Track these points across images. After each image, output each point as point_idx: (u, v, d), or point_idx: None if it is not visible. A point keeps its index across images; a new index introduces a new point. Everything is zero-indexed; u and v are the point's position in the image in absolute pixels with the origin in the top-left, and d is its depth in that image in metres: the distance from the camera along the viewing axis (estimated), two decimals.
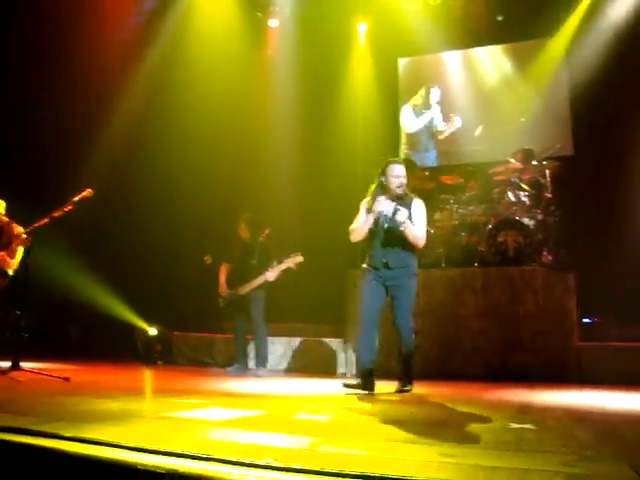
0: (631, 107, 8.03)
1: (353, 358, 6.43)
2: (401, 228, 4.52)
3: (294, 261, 6.21)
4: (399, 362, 4.78)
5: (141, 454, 2.11)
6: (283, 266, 6.26)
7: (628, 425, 3.27)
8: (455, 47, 9.62)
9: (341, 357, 6.61)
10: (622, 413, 3.83)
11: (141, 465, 2.01)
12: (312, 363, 6.79)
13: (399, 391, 4.67)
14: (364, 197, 4.93)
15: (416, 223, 4.62)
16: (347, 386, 4.67)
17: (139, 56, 9.13)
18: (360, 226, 4.71)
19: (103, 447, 2.18)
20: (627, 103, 8.07)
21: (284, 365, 6.92)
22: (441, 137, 7.39)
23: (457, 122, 7.37)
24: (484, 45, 9.63)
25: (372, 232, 4.70)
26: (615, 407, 4.17)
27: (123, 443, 2.20)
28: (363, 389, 4.57)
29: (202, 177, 9.12)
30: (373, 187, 4.81)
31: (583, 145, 8.50)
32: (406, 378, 4.73)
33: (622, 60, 8.16)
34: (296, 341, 7.02)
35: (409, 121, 7.26)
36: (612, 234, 7.44)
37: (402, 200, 4.65)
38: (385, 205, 4.55)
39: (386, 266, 4.62)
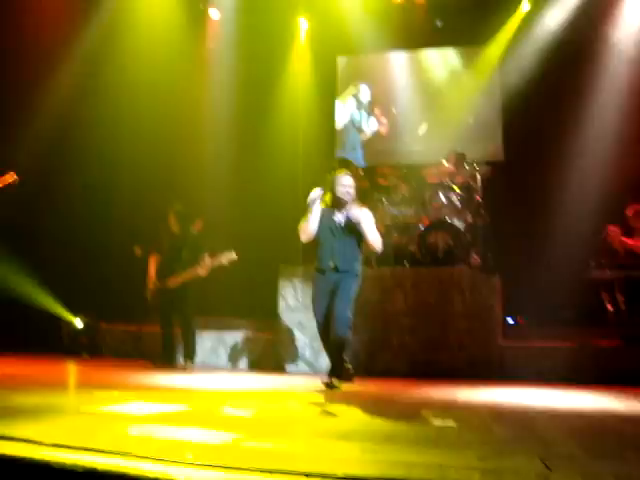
0: (558, 116, 8.38)
1: (283, 354, 6.45)
2: (361, 228, 4.81)
3: (227, 258, 6.15)
4: (329, 353, 4.86)
5: (57, 451, 2.05)
6: (215, 262, 6.19)
7: (543, 421, 3.40)
8: (394, 48, 9.77)
9: (271, 353, 6.59)
10: (539, 409, 3.98)
11: (56, 463, 1.95)
12: (241, 358, 6.75)
13: (327, 386, 4.70)
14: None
15: (364, 227, 4.87)
16: (324, 382, 4.78)
17: (75, 41, 8.84)
18: (310, 230, 4.92)
19: (16, 443, 2.10)
20: (555, 112, 8.41)
21: (213, 360, 6.84)
22: (364, 137, 7.27)
23: (372, 125, 7.17)
24: (423, 48, 9.82)
25: (322, 237, 4.94)
26: (533, 404, 4.33)
27: (38, 440, 2.13)
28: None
29: (135, 167, 8.94)
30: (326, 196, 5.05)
31: (513, 151, 8.81)
32: (335, 373, 4.76)
33: (551, 70, 8.51)
34: (226, 335, 6.96)
35: (338, 116, 7.11)
36: (536, 238, 7.74)
37: (350, 207, 4.91)
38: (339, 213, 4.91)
39: (334, 269, 4.87)
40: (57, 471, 1.92)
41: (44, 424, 2.57)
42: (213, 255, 6.20)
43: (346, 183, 4.92)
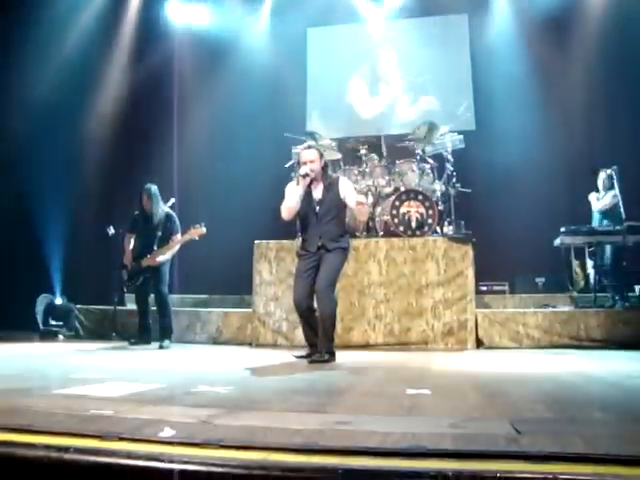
0: (528, 84, 8.42)
1: (260, 328, 6.47)
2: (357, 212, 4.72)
3: (197, 233, 6.14)
4: (319, 328, 4.67)
5: (30, 435, 2.03)
6: (186, 237, 6.18)
7: (514, 385, 3.47)
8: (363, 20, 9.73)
9: (248, 328, 6.61)
10: (510, 374, 4.07)
11: (29, 445, 1.93)
12: (218, 334, 6.77)
13: (314, 361, 4.56)
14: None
15: (353, 200, 4.71)
16: (297, 357, 4.82)
17: None
18: (291, 204, 4.73)
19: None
20: (525, 80, 8.45)
21: (190, 337, 6.85)
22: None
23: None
24: (398, 19, 9.76)
25: (304, 217, 4.79)
26: (506, 369, 4.42)
27: (6, 424, 2.10)
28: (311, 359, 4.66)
29: (105, 142, 8.86)
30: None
31: (483, 120, 8.86)
32: (324, 346, 4.63)
33: (523, 38, 8.54)
34: (202, 312, 6.96)
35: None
36: (507, 205, 7.84)
37: (327, 181, 4.79)
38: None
39: (323, 248, 4.69)
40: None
41: (18, 408, 2.55)
42: (184, 232, 6.19)
43: (307, 158, 4.75)
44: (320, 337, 4.67)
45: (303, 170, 4.73)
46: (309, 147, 4.91)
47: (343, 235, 4.80)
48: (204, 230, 6.14)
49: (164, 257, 6.21)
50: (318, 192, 4.78)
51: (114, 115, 9.05)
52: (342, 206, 4.78)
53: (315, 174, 4.74)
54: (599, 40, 8.32)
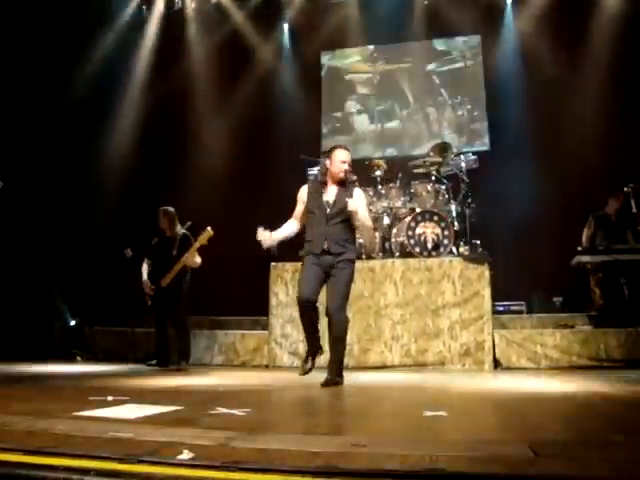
0: (541, 105, 8.43)
1: (277, 350, 6.48)
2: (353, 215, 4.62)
3: (205, 237, 6.10)
4: (330, 350, 4.63)
5: (49, 458, 2.05)
6: (196, 245, 6.14)
7: (532, 406, 3.45)
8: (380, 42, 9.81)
9: (264, 349, 6.62)
10: (530, 395, 4.03)
11: (48, 467, 1.96)
12: (235, 356, 6.78)
13: (326, 384, 4.49)
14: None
15: (360, 212, 4.65)
16: (302, 374, 4.79)
17: None
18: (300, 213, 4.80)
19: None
20: (537, 101, 8.46)
21: (207, 358, 6.87)
22: None
23: None
24: (409, 41, 9.83)
25: (312, 219, 4.72)
26: (524, 389, 4.38)
27: (26, 447, 2.13)
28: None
29: (122, 166, 8.98)
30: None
31: (498, 140, 8.87)
32: (336, 369, 4.60)
33: (533, 57, 8.57)
34: (219, 334, 6.99)
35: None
36: (523, 225, 7.81)
37: (344, 187, 4.74)
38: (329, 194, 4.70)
39: (327, 252, 4.59)
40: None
41: (38, 429, 2.57)
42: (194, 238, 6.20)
43: (344, 159, 4.71)
44: (331, 358, 4.63)
45: (337, 167, 4.70)
46: (345, 148, 4.82)
47: (350, 242, 4.70)
48: (211, 232, 6.06)
49: (179, 272, 6.22)
50: (331, 194, 4.70)
51: (131, 137, 9.20)
52: (349, 214, 4.64)
53: (348, 175, 4.76)
54: (612, 56, 8.33)
